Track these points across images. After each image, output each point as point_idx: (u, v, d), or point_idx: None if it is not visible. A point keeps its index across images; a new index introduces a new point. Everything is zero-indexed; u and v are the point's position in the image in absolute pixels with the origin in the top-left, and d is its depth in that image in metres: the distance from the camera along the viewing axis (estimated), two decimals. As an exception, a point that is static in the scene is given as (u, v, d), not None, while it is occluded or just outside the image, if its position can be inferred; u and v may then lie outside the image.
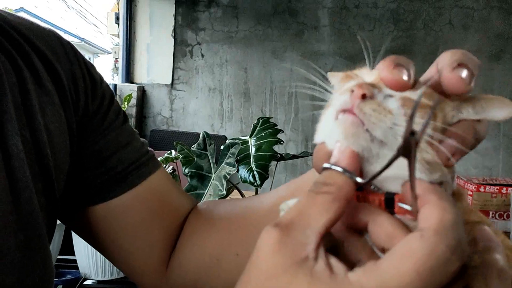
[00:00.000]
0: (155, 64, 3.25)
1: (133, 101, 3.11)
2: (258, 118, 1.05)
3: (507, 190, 1.76)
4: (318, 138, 0.32)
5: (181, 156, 0.95)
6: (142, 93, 3.25)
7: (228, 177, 0.92)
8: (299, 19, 3.10)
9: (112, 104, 0.53)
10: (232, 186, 0.97)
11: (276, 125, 1.02)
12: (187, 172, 0.93)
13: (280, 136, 1.04)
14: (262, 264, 0.25)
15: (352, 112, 0.28)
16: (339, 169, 0.27)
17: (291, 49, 3.12)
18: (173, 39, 3.25)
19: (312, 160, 0.33)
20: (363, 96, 0.28)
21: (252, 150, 0.95)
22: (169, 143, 2.04)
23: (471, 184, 1.55)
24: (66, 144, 0.47)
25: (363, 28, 3.00)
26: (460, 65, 0.28)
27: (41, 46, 0.48)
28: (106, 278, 1.04)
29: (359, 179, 0.27)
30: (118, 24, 3.34)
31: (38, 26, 0.50)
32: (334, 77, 0.35)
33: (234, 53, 3.20)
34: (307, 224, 0.25)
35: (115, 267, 1.07)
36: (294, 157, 1.04)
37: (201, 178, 0.93)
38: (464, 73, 0.28)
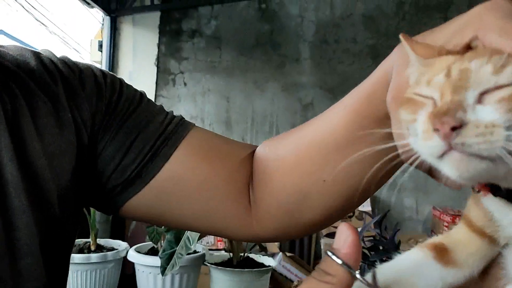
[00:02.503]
0: (138, 91, 3.26)
1: (114, 128, 3.10)
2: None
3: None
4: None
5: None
6: (124, 120, 3.24)
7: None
8: (280, 52, 3.17)
9: (121, 95, 0.53)
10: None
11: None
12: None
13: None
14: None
15: (453, 149, 0.25)
16: (339, 260, 0.27)
17: (273, 80, 3.18)
18: (156, 68, 3.28)
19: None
20: (453, 129, 0.25)
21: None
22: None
23: (446, 215, 1.59)
24: (69, 162, 0.47)
25: (342, 62, 3.09)
26: None
27: (37, 72, 0.48)
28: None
29: (357, 274, 0.27)
30: (101, 51, 3.36)
31: (31, 52, 0.51)
32: (408, 43, 0.33)
33: (216, 82, 3.24)
34: None
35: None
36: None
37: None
38: None
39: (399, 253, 1.11)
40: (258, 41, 3.19)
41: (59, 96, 0.48)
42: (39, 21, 5.57)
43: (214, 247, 1.99)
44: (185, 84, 3.27)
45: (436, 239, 0.33)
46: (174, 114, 0.56)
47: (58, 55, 0.53)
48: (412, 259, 0.33)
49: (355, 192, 0.46)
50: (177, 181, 0.50)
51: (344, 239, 0.28)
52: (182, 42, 3.28)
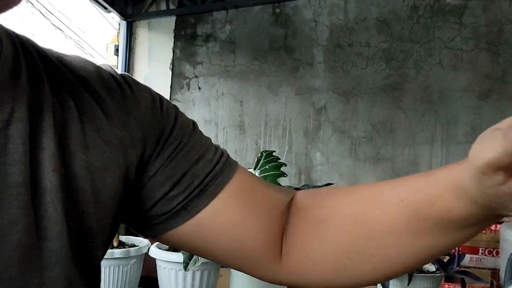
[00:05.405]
0: (153, 95, 3.31)
1: (130, 131, 3.14)
2: (262, 152, 1.09)
3: (496, 227, 1.80)
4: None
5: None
6: (139, 123, 3.28)
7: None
8: (294, 56, 3.19)
9: (176, 124, 0.53)
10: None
11: (279, 159, 1.06)
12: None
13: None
14: None
15: None
16: None
17: (286, 84, 3.20)
18: (170, 72, 3.32)
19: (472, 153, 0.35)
20: None
21: (257, 182, 0.98)
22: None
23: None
24: (112, 179, 0.47)
25: (356, 65, 3.10)
26: None
27: (96, 85, 0.49)
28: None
29: None
30: (117, 55, 3.41)
31: (92, 64, 0.51)
32: None
33: (230, 86, 3.27)
34: None
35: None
36: (296, 189, 1.07)
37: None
38: None
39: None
40: (272, 45, 3.21)
41: (113, 112, 0.49)
42: (54, 25, 5.66)
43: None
44: (199, 88, 3.31)
45: None
46: (221, 149, 0.58)
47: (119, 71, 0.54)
48: None
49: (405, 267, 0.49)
50: (217, 218, 0.52)
51: None
52: (196, 47, 3.32)
